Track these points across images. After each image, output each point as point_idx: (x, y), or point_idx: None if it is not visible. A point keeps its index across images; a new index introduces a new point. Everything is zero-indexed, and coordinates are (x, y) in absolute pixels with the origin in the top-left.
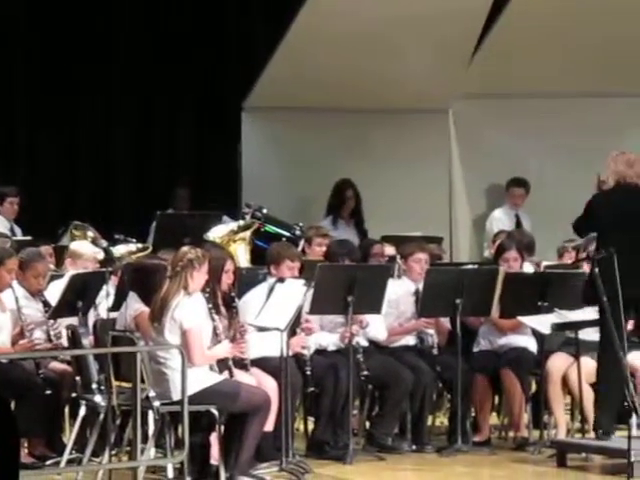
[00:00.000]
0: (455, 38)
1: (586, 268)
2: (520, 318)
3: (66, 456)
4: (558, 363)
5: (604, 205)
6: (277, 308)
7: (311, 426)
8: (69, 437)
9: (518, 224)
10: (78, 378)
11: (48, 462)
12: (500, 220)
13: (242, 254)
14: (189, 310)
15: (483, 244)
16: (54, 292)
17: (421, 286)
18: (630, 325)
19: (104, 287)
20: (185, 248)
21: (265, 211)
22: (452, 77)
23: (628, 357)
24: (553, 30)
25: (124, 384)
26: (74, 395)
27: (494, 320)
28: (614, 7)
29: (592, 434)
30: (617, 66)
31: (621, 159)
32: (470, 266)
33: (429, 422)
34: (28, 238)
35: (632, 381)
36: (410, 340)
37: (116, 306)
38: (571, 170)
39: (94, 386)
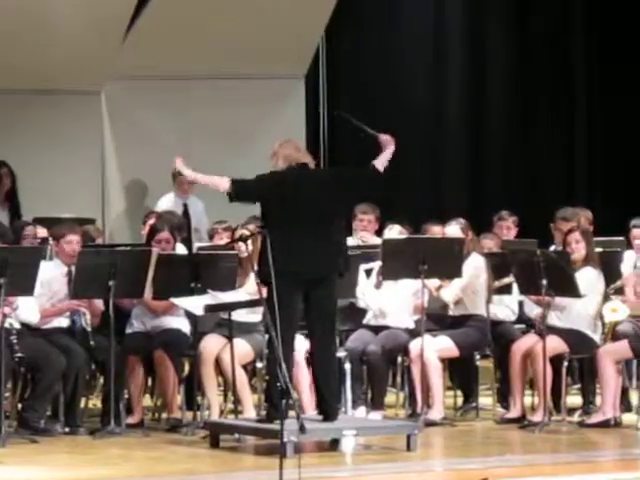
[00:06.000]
0: (108, 19)
1: (242, 249)
2: (173, 299)
3: None
4: (211, 344)
5: (275, 185)
6: None
7: None
8: None
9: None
10: None
11: None
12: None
13: None
14: None
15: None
16: None
17: (74, 267)
18: None
19: None
20: None
21: None
22: (105, 59)
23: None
24: (202, 13)
25: None
26: None
27: (147, 302)
28: None
29: (246, 415)
30: (255, 49)
31: (288, 145)
32: (122, 248)
33: (82, 404)
34: None
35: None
36: (63, 322)
37: None
38: (224, 151)
39: None
